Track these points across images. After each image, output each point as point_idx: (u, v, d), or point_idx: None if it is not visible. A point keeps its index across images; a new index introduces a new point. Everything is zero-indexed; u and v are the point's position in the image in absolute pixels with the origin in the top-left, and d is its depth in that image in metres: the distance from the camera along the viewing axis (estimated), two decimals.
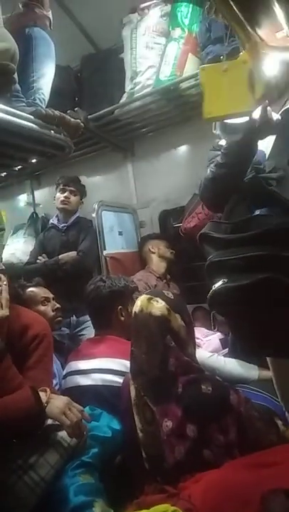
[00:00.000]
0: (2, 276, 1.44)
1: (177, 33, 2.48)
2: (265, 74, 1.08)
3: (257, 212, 1.12)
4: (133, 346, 1.16)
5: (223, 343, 2.03)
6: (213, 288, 1.03)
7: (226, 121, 1.27)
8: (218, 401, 1.03)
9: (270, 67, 1.12)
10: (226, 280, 1.00)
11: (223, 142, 1.38)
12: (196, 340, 2.10)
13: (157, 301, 1.13)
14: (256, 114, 1.12)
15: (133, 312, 1.17)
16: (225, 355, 1.79)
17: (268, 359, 1.39)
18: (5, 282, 1.43)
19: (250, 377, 1.62)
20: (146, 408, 1.06)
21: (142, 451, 1.07)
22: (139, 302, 1.16)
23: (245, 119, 1.15)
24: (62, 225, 2.74)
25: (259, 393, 1.43)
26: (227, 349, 1.90)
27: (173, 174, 3.00)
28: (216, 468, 0.89)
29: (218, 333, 2.21)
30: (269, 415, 1.10)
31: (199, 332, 2.27)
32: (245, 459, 0.90)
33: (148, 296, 1.16)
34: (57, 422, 1.17)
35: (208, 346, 2.06)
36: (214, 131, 1.40)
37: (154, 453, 1.04)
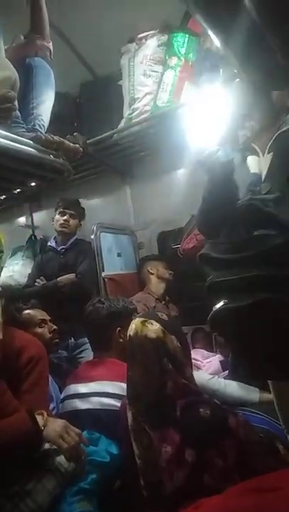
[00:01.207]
0: None
1: (174, 61, 2.56)
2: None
3: (256, 233, 1.10)
4: (129, 370, 1.14)
5: (224, 365, 2.02)
6: (214, 309, 1.02)
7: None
8: (216, 424, 1.01)
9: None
10: (226, 301, 0.99)
11: None
12: (197, 362, 2.09)
13: (152, 324, 1.12)
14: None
15: (128, 336, 1.16)
16: (225, 377, 1.78)
17: (269, 381, 1.37)
18: None
19: (251, 399, 1.60)
20: (143, 433, 1.04)
21: (140, 478, 1.04)
22: (134, 325, 1.14)
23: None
24: (61, 247, 2.75)
25: (260, 416, 1.40)
26: (227, 371, 1.88)
27: (171, 196, 3.04)
28: (217, 493, 0.87)
29: (219, 355, 2.20)
30: (269, 439, 1.08)
31: (199, 354, 2.25)
32: (246, 483, 0.87)
33: (142, 318, 1.15)
34: (54, 447, 1.14)
35: (209, 368, 2.05)
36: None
37: (153, 480, 1.01)
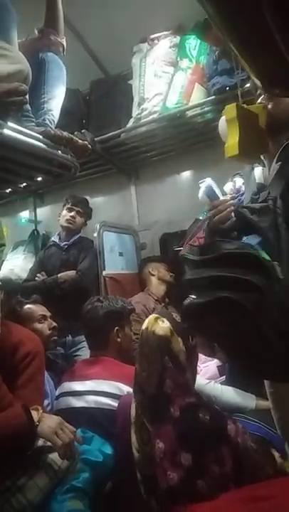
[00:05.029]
0: None
1: (185, 63, 2.57)
2: None
3: (244, 238, 1.20)
4: (137, 364, 1.16)
5: (221, 370, 2.01)
6: (184, 302, 1.09)
7: None
8: (215, 430, 1.00)
9: None
10: (194, 297, 1.07)
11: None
12: None
13: (163, 321, 1.14)
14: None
15: (141, 330, 1.18)
16: (222, 383, 1.77)
17: (266, 389, 1.37)
18: None
19: (247, 406, 1.59)
20: (143, 428, 1.05)
21: (137, 471, 1.04)
22: (147, 320, 1.17)
23: None
24: (64, 243, 2.75)
25: (255, 423, 1.40)
26: (224, 376, 1.87)
27: (175, 198, 3.04)
28: (210, 499, 0.86)
29: (216, 360, 2.18)
30: (266, 447, 1.07)
31: None
32: (240, 491, 0.87)
33: (156, 315, 1.18)
34: (48, 444, 1.14)
35: (206, 373, 2.03)
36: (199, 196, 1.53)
37: (149, 473, 1.01)
